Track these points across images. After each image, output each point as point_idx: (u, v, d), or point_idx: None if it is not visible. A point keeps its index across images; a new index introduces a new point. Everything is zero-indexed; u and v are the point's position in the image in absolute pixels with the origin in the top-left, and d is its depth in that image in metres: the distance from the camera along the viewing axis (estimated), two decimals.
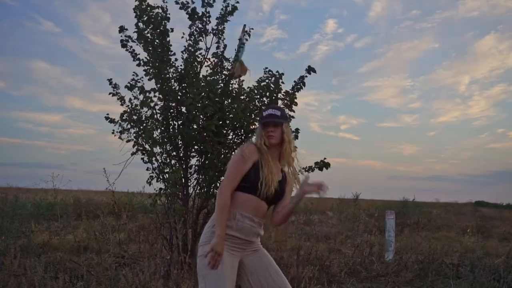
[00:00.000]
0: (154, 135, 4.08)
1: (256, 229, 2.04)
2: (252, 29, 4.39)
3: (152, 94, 4.16)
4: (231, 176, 1.98)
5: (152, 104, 4.17)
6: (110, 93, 4.28)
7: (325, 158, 3.88)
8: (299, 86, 4.17)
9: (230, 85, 4.25)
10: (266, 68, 4.24)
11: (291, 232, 8.20)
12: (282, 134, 2.09)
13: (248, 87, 4.27)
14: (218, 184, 4.19)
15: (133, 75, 4.23)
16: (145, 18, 4.08)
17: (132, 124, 4.16)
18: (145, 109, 4.19)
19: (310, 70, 4.14)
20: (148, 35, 4.14)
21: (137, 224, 7.98)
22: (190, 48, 4.25)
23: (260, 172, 1.98)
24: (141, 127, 4.11)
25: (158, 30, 4.11)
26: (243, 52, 4.33)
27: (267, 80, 4.17)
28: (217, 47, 4.37)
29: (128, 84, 4.19)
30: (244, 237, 2.01)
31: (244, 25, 4.40)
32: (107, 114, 4.30)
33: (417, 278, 4.60)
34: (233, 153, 4.21)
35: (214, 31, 4.32)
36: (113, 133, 4.27)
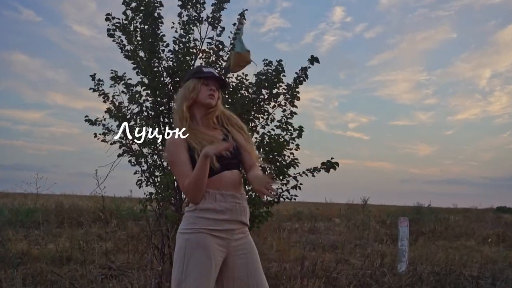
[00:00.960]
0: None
1: (241, 204, 1.97)
2: (247, 9, 4.37)
3: (140, 88, 4.16)
4: (178, 173, 1.94)
5: (141, 100, 4.16)
6: (90, 88, 4.27)
7: (332, 158, 3.87)
8: (301, 79, 4.16)
9: (228, 78, 4.24)
10: (266, 59, 4.23)
11: (294, 241, 8.19)
12: (217, 100, 2.06)
13: (247, 80, 4.27)
14: None
15: (124, 76, 4.23)
16: (134, 5, 4.07)
17: (119, 121, 4.15)
18: (133, 106, 4.19)
19: (313, 60, 4.14)
20: (137, 24, 4.13)
21: (126, 232, 7.97)
22: (182, 38, 4.24)
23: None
24: (130, 125, 4.11)
25: (151, 17, 4.10)
26: (241, 44, 4.31)
27: (267, 71, 4.17)
28: (213, 28, 4.34)
29: (114, 75, 4.19)
30: (232, 218, 1.93)
31: (242, 13, 4.38)
32: (86, 116, 4.27)
33: None
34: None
35: (209, 19, 4.31)
36: (95, 136, 4.27)
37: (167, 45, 4.21)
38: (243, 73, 4.34)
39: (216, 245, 1.89)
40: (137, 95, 4.15)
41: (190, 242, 1.88)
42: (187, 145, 1.95)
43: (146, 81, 4.15)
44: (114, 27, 4.18)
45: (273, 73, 4.15)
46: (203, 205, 1.91)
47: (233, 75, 4.34)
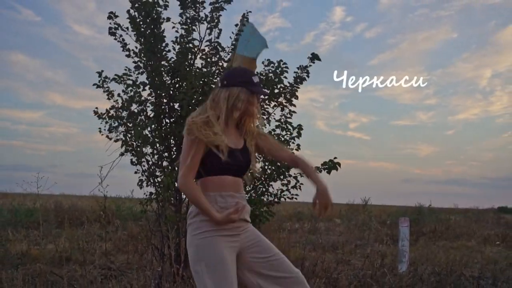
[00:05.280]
0: (144, 133, 4.09)
1: (241, 203, 2.01)
2: (250, 12, 4.39)
3: (140, 88, 4.18)
4: (184, 161, 1.93)
5: (141, 99, 4.18)
6: (94, 84, 4.28)
7: (335, 158, 3.85)
8: (302, 77, 4.17)
9: None
10: (267, 59, 4.24)
11: (294, 241, 8.19)
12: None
13: None
14: None
15: (126, 69, 4.25)
16: (137, 5, 4.09)
17: (120, 121, 4.17)
18: (134, 105, 4.21)
19: (314, 58, 4.14)
20: (141, 23, 4.16)
21: (126, 232, 7.99)
22: (182, 39, 4.26)
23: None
24: (130, 125, 4.12)
25: (150, 18, 4.12)
26: (254, 47, 4.28)
27: (267, 71, 4.18)
28: (210, 33, 4.36)
29: (116, 76, 4.21)
30: None
31: (244, 15, 4.39)
32: (96, 107, 4.35)
33: None
34: None
35: (208, 19, 4.32)
36: (100, 131, 4.31)
37: (167, 45, 4.24)
38: None
39: (226, 243, 1.94)
40: (137, 94, 4.18)
41: (201, 247, 1.93)
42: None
43: (147, 81, 4.18)
44: (116, 26, 4.20)
45: (276, 71, 4.16)
46: None
47: None
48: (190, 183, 1.94)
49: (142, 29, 4.16)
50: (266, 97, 4.10)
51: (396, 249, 6.25)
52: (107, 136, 4.28)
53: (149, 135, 4.16)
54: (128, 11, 4.14)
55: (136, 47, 4.22)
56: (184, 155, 1.94)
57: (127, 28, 4.19)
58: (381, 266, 5.36)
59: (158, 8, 4.14)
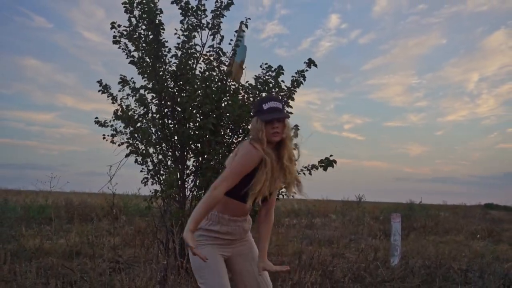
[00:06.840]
0: (149, 133, 4.10)
1: (241, 226, 2.08)
2: (249, 19, 4.39)
3: (144, 91, 4.18)
4: (226, 177, 1.87)
5: (146, 102, 4.18)
6: (99, 91, 4.30)
7: (331, 155, 3.85)
8: (299, 81, 4.17)
9: (228, 83, 4.26)
10: (266, 63, 4.23)
11: (292, 236, 8.20)
12: (284, 130, 1.93)
13: (247, 82, 4.29)
14: None
15: (131, 80, 4.24)
16: (137, 13, 4.08)
17: (125, 122, 4.18)
18: (139, 108, 4.22)
19: (310, 63, 4.14)
20: (142, 31, 4.15)
21: (133, 227, 7.99)
22: (184, 44, 4.26)
23: (256, 180, 1.89)
24: (136, 126, 4.13)
25: (153, 24, 4.11)
26: (242, 52, 4.30)
27: (266, 76, 4.18)
28: (213, 39, 4.35)
29: (120, 79, 4.21)
30: (232, 238, 2.07)
31: (241, 22, 4.40)
32: (96, 117, 4.33)
33: (424, 284, 4.61)
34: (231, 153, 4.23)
35: (209, 25, 4.32)
36: (104, 138, 4.29)
37: (169, 50, 4.23)
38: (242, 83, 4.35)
39: (219, 250, 2.04)
40: (143, 97, 4.18)
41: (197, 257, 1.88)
42: (258, 162, 1.90)
43: (150, 85, 4.17)
44: (120, 34, 4.18)
45: (273, 76, 4.17)
46: (208, 226, 2.00)
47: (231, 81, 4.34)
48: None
49: (143, 35, 4.15)
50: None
51: (389, 243, 6.26)
52: (112, 141, 4.28)
53: (154, 136, 4.16)
54: (129, 19, 4.13)
55: (138, 55, 4.20)
56: None
57: (130, 35, 4.16)
58: (374, 260, 5.37)
59: (158, 14, 4.13)
